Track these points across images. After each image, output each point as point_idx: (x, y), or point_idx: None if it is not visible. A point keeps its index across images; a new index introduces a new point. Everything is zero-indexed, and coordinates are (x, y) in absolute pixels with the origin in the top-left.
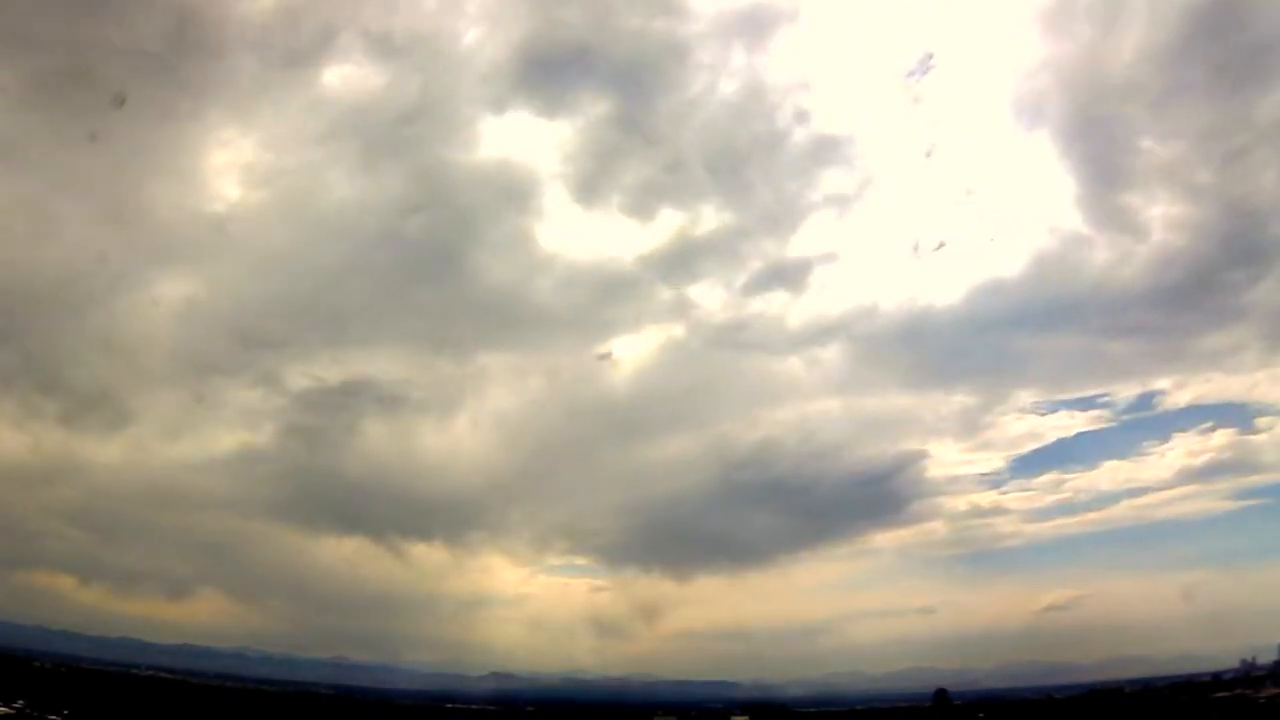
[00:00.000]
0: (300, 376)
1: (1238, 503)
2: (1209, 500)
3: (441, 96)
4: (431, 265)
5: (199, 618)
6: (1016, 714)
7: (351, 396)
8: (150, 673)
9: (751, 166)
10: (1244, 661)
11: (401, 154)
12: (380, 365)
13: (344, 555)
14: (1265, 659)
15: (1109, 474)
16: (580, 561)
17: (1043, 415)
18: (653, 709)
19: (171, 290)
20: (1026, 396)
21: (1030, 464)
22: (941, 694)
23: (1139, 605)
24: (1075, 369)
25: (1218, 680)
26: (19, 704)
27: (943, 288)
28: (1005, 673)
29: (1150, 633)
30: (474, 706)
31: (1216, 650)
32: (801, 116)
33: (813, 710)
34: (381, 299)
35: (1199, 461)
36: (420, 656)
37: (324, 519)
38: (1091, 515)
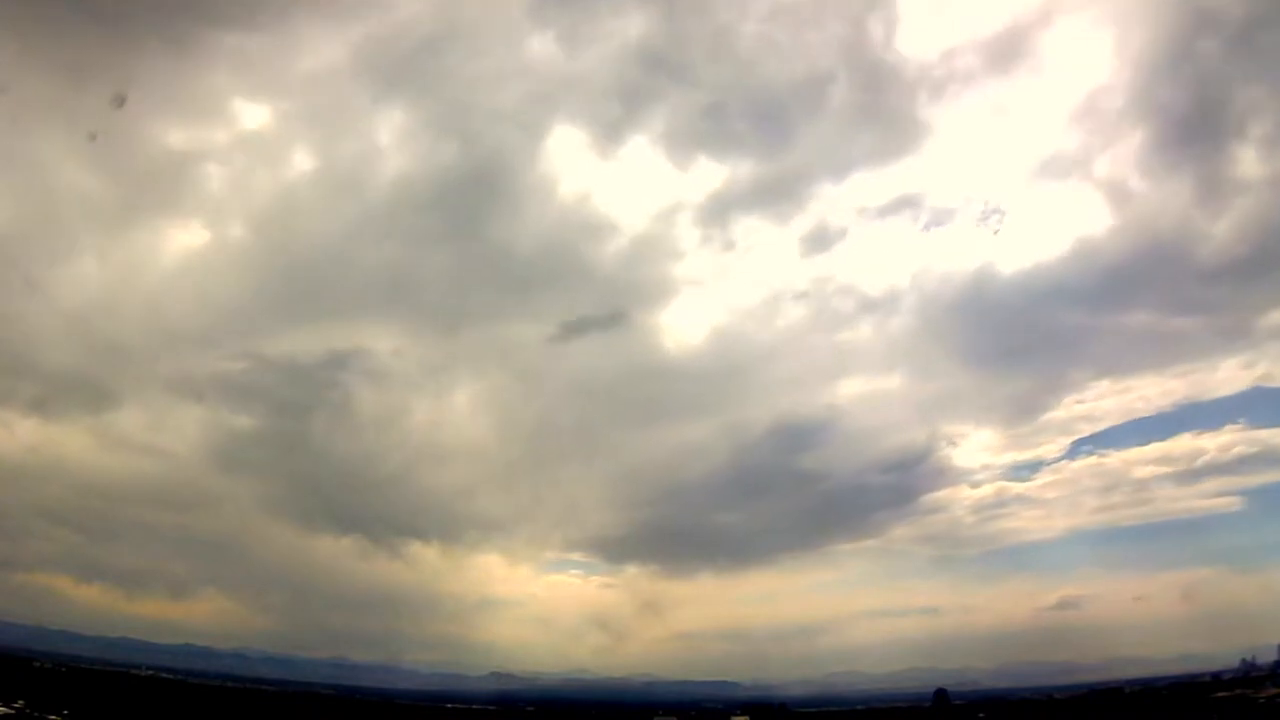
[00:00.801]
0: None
1: (1247, 500)
2: (1224, 497)
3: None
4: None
5: (196, 616)
6: (1016, 714)
7: (340, 370)
8: (150, 673)
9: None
10: (1244, 661)
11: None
12: (373, 339)
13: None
14: (1265, 659)
15: (1142, 466)
16: (578, 557)
17: (1093, 401)
18: (653, 709)
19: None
20: (1079, 378)
21: (1064, 454)
22: (941, 694)
23: (1141, 604)
24: (1134, 348)
25: (1218, 680)
26: (19, 704)
27: (1005, 253)
28: (1005, 673)
29: (1152, 633)
30: (474, 706)
31: (1216, 650)
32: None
33: (813, 710)
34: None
35: (1230, 455)
36: (420, 656)
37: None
38: (1110, 511)
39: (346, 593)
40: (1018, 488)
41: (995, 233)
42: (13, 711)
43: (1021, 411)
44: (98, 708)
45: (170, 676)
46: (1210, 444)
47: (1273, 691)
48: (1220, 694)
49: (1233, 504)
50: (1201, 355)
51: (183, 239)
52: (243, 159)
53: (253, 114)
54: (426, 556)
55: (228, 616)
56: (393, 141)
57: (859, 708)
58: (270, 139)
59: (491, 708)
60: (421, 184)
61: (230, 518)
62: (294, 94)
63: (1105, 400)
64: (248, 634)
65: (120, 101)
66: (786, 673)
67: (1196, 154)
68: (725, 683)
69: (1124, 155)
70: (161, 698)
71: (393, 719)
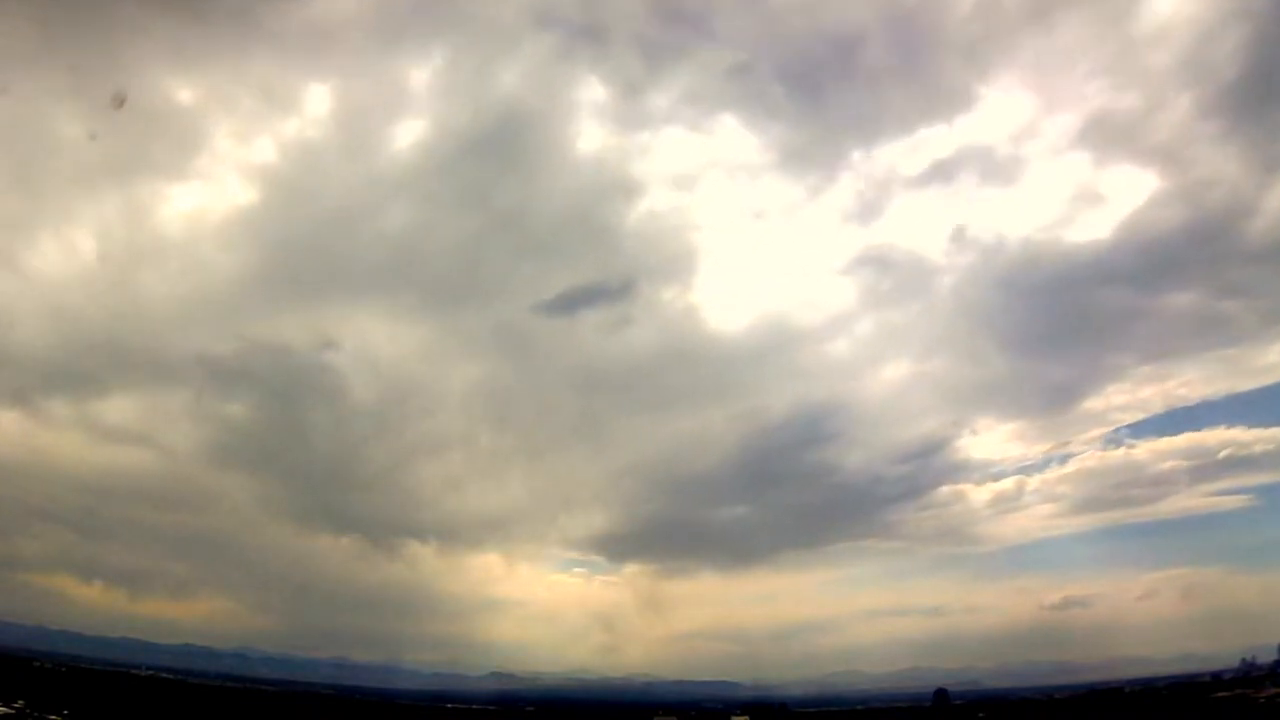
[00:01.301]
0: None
1: (1256, 497)
2: (1237, 495)
3: None
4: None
5: (196, 616)
6: (1016, 714)
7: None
8: (150, 673)
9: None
10: (1244, 661)
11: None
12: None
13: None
14: (1265, 659)
15: (1166, 460)
16: (578, 556)
17: (1130, 391)
18: (653, 709)
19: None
20: (1118, 362)
21: (1093, 446)
22: (941, 694)
23: (1144, 604)
24: (1178, 332)
25: (1218, 680)
26: (19, 704)
27: (1043, 226)
28: (1006, 673)
29: (1154, 632)
30: (474, 706)
31: (1217, 650)
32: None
33: (813, 710)
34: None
35: (1251, 450)
36: (420, 656)
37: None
38: (1125, 508)
39: (346, 593)
40: (1035, 482)
41: (1030, 204)
42: (13, 711)
43: (1056, 401)
44: (98, 708)
45: (170, 676)
46: (1243, 437)
47: (1273, 691)
48: (1220, 694)
49: (1245, 501)
50: (1247, 340)
51: (184, 204)
52: (247, 117)
53: (257, 75)
54: (425, 556)
55: (228, 616)
56: (397, 100)
57: (859, 708)
58: (275, 100)
59: (491, 708)
60: (425, 148)
61: (228, 515)
62: (299, 53)
63: (1145, 389)
64: (248, 634)
65: (120, 102)
66: (787, 673)
67: (1250, 122)
68: (725, 683)
69: (1172, 122)
70: (161, 698)
71: (393, 719)
